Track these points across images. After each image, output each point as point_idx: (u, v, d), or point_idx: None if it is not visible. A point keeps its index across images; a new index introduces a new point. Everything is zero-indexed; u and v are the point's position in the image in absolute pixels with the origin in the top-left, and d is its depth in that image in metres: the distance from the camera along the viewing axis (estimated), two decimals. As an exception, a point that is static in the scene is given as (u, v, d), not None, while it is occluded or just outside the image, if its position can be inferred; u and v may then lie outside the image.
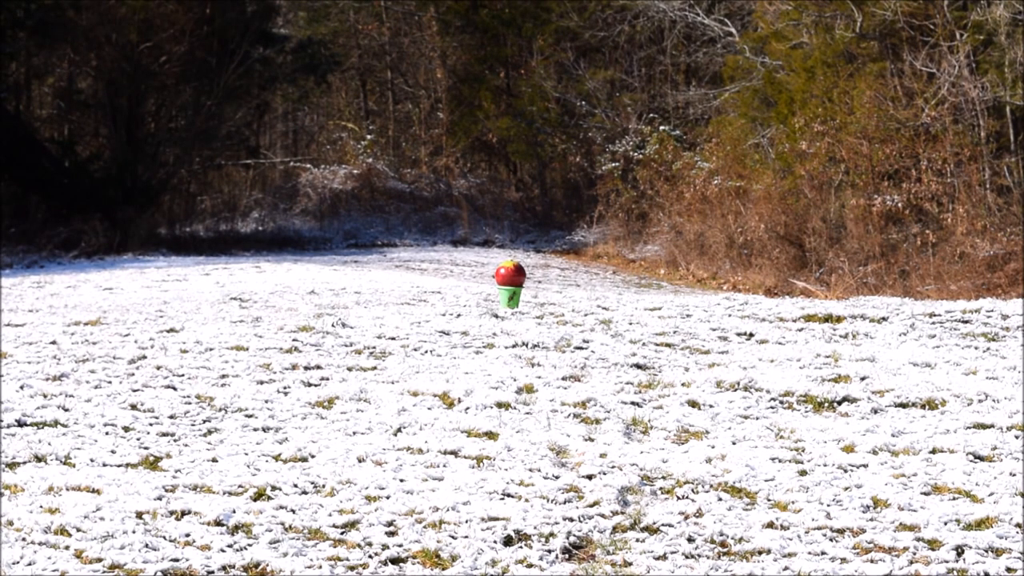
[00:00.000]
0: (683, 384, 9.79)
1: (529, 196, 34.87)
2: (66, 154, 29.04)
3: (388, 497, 6.81)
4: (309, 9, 35.77)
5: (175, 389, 9.53)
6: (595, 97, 32.63)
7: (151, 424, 8.41)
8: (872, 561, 5.90)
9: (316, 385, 9.75)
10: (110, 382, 9.71)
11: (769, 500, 6.84)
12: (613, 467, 7.41)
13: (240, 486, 6.95)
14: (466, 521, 6.41)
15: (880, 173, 22.48)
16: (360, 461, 7.51)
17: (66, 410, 8.68)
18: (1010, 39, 21.55)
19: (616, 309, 14.32)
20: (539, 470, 7.35)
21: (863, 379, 9.89)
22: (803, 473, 7.34)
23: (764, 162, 25.55)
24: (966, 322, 13.09)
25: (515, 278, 14.43)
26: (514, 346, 11.54)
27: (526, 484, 7.05)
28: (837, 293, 19.75)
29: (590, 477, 7.22)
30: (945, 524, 6.41)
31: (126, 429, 8.25)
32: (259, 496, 6.81)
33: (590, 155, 32.72)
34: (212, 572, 5.72)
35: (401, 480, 7.12)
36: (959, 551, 6.01)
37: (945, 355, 11.03)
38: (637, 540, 6.19)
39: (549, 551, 6.03)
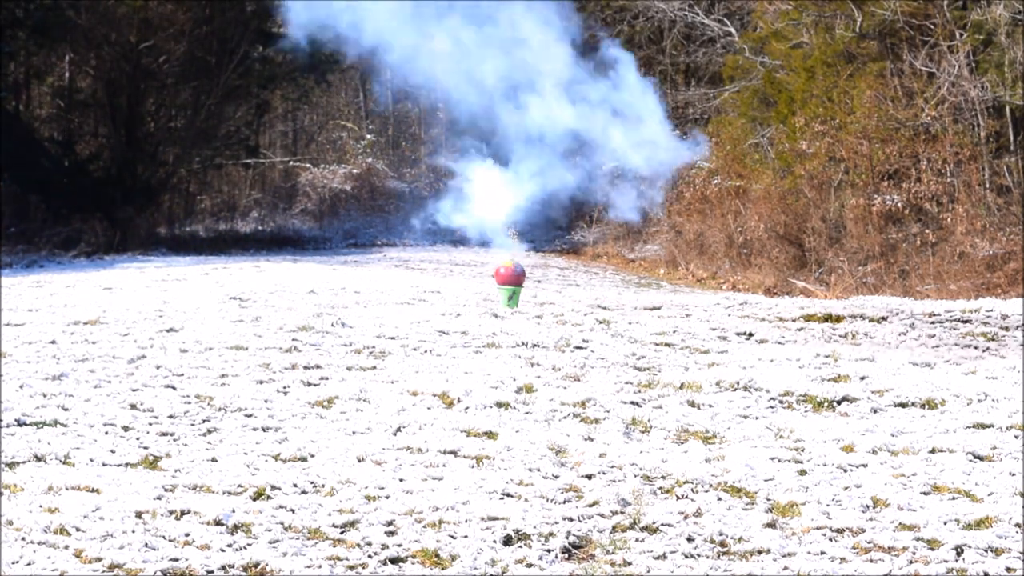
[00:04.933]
0: (683, 384, 9.79)
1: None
2: (66, 154, 29.04)
3: (388, 497, 6.81)
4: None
5: (175, 389, 9.52)
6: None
7: (151, 424, 8.41)
8: (872, 561, 5.90)
9: (316, 385, 9.75)
10: (109, 382, 9.71)
11: (769, 500, 6.83)
12: (613, 467, 7.41)
13: (240, 486, 6.94)
14: (466, 521, 6.41)
15: (880, 173, 22.48)
16: (360, 461, 7.51)
17: (66, 410, 8.68)
18: (1010, 39, 21.55)
19: (615, 308, 14.32)
20: (539, 470, 7.35)
21: (863, 379, 9.89)
22: (803, 473, 7.34)
23: (764, 162, 25.56)
24: (966, 322, 13.09)
25: (515, 278, 14.45)
26: (514, 346, 11.53)
27: (526, 484, 7.05)
28: (837, 293, 19.75)
29: (590, 477, 7.22)
30: (945, 524, 6.41)
31: (126, 429, 8.25)
32: (259, 496, 6.81)
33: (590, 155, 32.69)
34: (212, 572, 5.71)
35: (401, 480, 7.11)
36: (959, 551, 6.01)
37: (945, 355, 11.04)
38: (637, 540, 6.19)
39: (549, 551, 6.03)
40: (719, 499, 6.81)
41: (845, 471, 7.39)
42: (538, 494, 6.86)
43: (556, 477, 7.21)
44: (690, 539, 6.16)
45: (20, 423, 8.30)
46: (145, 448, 7.75)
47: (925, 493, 6.96)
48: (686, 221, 26.95)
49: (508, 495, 6.85)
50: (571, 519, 6.45)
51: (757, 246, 24.20)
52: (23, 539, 6.03)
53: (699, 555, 5.98)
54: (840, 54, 23.85)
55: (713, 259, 25.07)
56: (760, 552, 6.01)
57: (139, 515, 6.40)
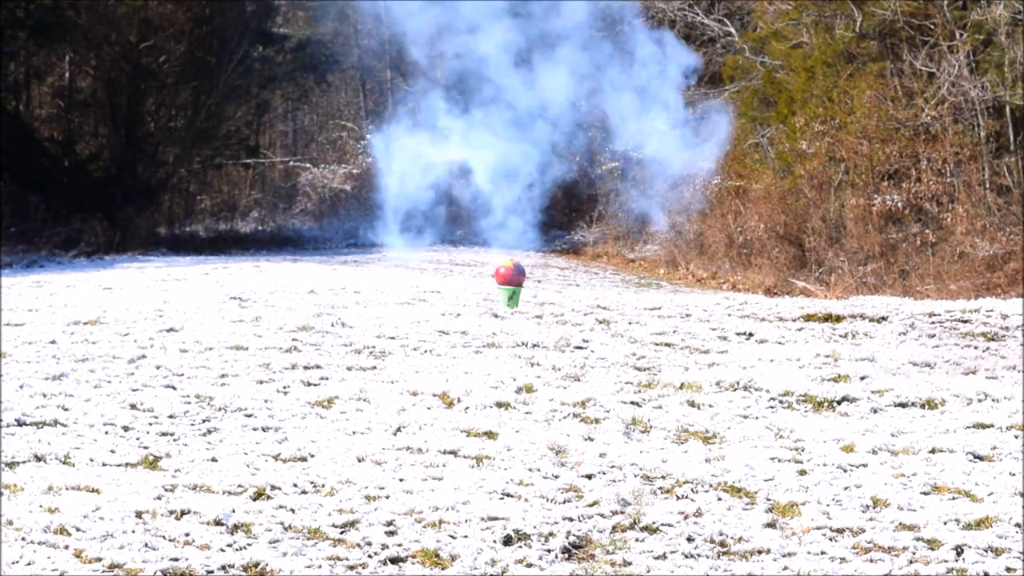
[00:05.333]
0: (683, 384, 9.79)
1: (529, 196, 34.82)
2: (66, 154, 29.05)
3: (388, 497, 6.81)
4: (309, 9, 35.77)
5: (175, 389, 9.53)
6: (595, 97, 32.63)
7: (151, 424, 8.41)
8: (872, 561, 5.90)
9: (316, 385, 9.75)
10: (109, 382, 9.71)
11: (769, 500, 6.84)
12: (613, 467, 7.41)
13: (240, 486, 6.95)
14: (466, 521, 6.41)
15: (880, 173, 22.48)
16: (360, 461, 7.51)
17: (66, 410, 8.68)
18: (1010, 39, 21.55)
19: (615, 308, 14.32)
20: (539, 470, 7.35)
21: (863, 379, 9.89)
22: (803, 473, 7.34)
23: (764, 162, 25.56)
24: (966, 322, 13.09)
25: (515, 278, 14.45)
26: (514, 346, 11.54)
27: (526, 484, 7.05)
28: (837, 293, 19.75)
29: (590, 477, 7.22)
30: (945, 524, 6.41)
31: (126, 429, 8.25)
32: (259, 496, 6.81)
33: (590, 155, 32.71)
34: (212, 572, 5.71)
35: (401, 480, 7.12)
36: (959, 551, 6.01)
37: (945, 355, 11.04)
38: (637, 540, 6.19)
39: (549, 551, 6.03)
40: (719, 499, 6.81)
41: (845, 471, 7.39)
42: (538, 494, 6.86)
43: (556, 477, 7.21)
44: (690, 539, 6.16)
45: (20, 423, 8.30)
46: (145, 448, 7.75)
47: (925, 493, 6.97)
48: (686, 221, 26.95)
49: (508, 495, 6.85)
50: (571, 519, 6.45)
51: (757, 246, 24.20)
52: (23, 539, 6.04)
53: (699, 555, 5.98)
54: (840, 54, 23.85)
55: (713, 259, 25.07)
56: (760, 552, 6.01)
57: (139, 515, 6.40)
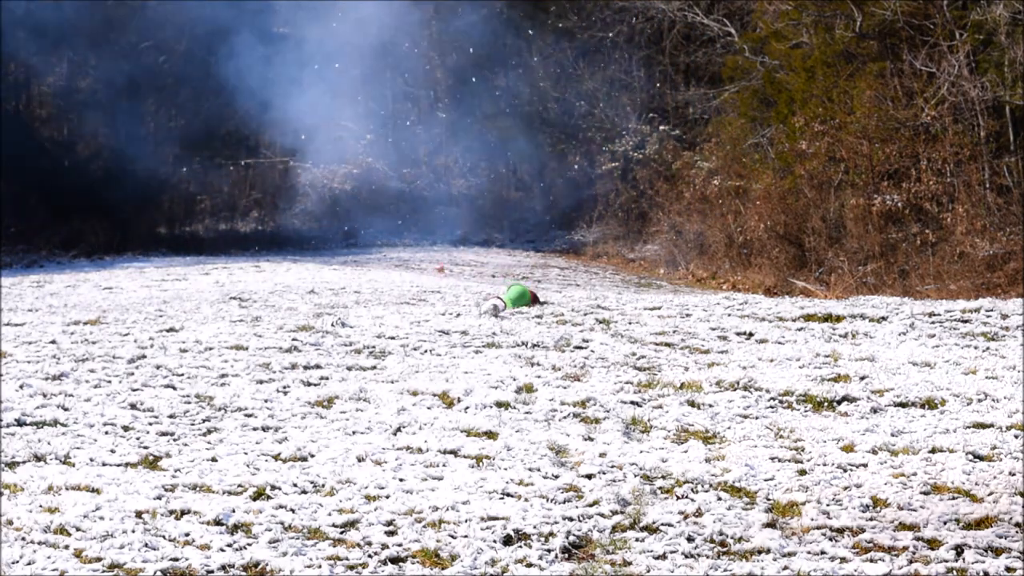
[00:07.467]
0: (683, 384, 9.79)
1: (529, 196, 34.86)
2: (66, 154, 29.06)
3: (388, 497, 6.81)
4: (309, 9, 35.73)
5: (175, 388, 9.53)
6: (594, 97, 32.63)
7: (151, 423, 8.42)
8: (872, 560, 5.90)
9: (316, 384, 9.75)
10: (110, 381, 9.71)
11: (769, 500, 6.84)
12: (613, 467, 7.41)
13: (240, 485, 6.95)
14: (466, 520, 6.41)
15: (880, 173, 22.48)
16: (360, 461, 7.51)
17: (66, 409, 8.69)
18: (1010, 39, 21.54)
19: (616, 308, 14.32)
20: (539, 469, 7.35)
21: (863, 379, 9.89)
22: (803, 473, 7.34)
23: (764, 162, 25.55)
24: (966, 322, 13.09)
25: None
26: (514, 346, 11.54)
27: (526, 484, 7.05)
28: (837, 293, 19.74)
29: (590, 477, 7.22)
30: (945, 524, 6.41)
31: (126, 428, 8.26)
32: (259, 495, 6.82)
33: (590, 155, 32.71)
34: (212, 572, 5.72)
35: (401, 480, 7.12)
36: (959, 550, 6.01)
37: (945, 355, 11.03)
38: (637, 539, 6.19)
39: (549, 550, 6.03)
40: (719, 499, 6.81)
41: (845, 471, 7.39)
42: (538, 494, 6.86)
43: (556, 477, 7.21)
44: (690, 539, 6.16)
45: (20, 423, 8.31)
46: (145, 448, 7.75)
47: (925, 493, 6.97)
48: (686, 221, 26.94)
49: (508, 495, 6.85)
50: (571, 519, 6.45)
51: (757, 246, 24.19)
52: (23, 539, 6.04)
53: (699, 555, 5.99)
54: (840, 54, 23.84)
55: (713, 259, 25.07)
56: (760, 552, 6.02)
57: (139, 515, 6.41)
